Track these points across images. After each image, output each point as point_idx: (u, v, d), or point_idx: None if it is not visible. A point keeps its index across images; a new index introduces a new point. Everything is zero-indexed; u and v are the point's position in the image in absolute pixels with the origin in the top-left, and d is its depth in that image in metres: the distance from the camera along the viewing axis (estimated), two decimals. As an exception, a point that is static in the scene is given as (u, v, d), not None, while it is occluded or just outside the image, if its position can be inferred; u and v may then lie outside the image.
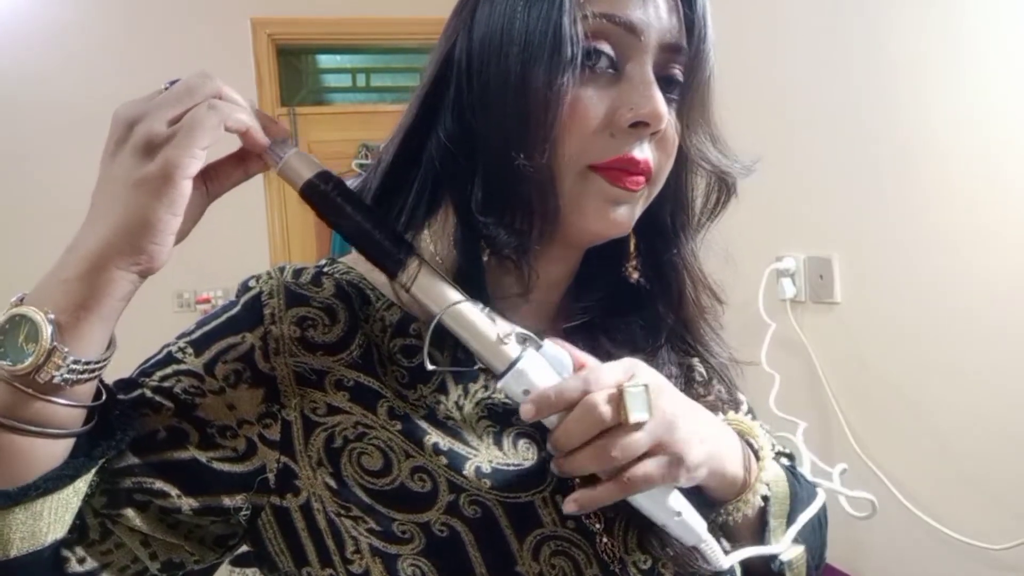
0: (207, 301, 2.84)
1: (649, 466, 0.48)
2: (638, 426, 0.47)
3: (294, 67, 3.30)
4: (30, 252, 2.67)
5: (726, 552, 0.55)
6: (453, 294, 0.50)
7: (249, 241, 2.81)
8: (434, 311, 0.50)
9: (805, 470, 0.69)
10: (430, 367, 0.50)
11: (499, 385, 0.49)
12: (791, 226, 1.70)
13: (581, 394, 0.48)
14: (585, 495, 0.49)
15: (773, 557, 0.57)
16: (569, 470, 0.49)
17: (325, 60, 3.43)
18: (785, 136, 1.65)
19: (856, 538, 1.53)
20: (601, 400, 0.47)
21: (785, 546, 0.58)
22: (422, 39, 3.05)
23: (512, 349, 0.49)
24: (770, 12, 1.71)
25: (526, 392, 0.49)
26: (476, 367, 0.54)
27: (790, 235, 1.70)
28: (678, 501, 0.52)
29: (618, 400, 0.47)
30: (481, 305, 0.51)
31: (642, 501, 0.51)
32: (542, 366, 0.50)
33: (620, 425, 0.47)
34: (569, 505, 0.49)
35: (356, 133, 3.06)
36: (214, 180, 0.50)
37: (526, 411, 0.48)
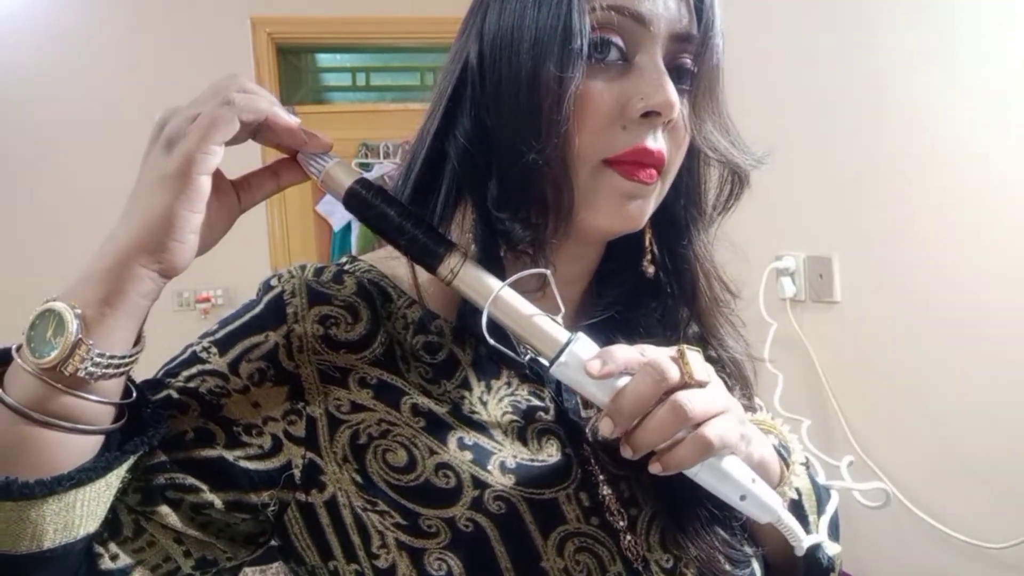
0: (207, 300, 2.84)
1: (723, 423, 0.48)
2: (702, 385, 0.47)
3: (294, 66, 3.29)
4: (30, 252, 2.68)
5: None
6: (498, 283, 0.50)
7: (249, 241, 2.80)
8: (479, 302, 0.50)
9: (819, 476, 0.69)
10: (492, 342, 0.50)
11: (555, 366, 0.49)
12: (791, 226, 1.70)
13: (641, 358, 0.48)
14: (668, 456, 0.47)
15: (817, 547, 0.57)
16: (643, 441, 0.47)
17: (325, 59, 3.42)
18: (785, 136, 1.65)
19: (856, 537, 1.53)
20: (665, 359, 0.48)
21: (827, 540, 0.58)
22: (422, 38, 3.04)
23: (563, 332, 0.50)
24: (771, 12, 1.72)
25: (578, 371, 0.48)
26: (496, 360, 0.55)
27: (790, 234, 1.70)
28: (748, 471, 0.50)
29: (680, 360, 0.48)
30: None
31: (714, 476, 0.49)
32: (593, 348, 0.50)
33: (686, 385, 0.47)
34: (654, 466, 0.48)
35: (356, 132, 3.05)
36: (247, 191, 0.51)
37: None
